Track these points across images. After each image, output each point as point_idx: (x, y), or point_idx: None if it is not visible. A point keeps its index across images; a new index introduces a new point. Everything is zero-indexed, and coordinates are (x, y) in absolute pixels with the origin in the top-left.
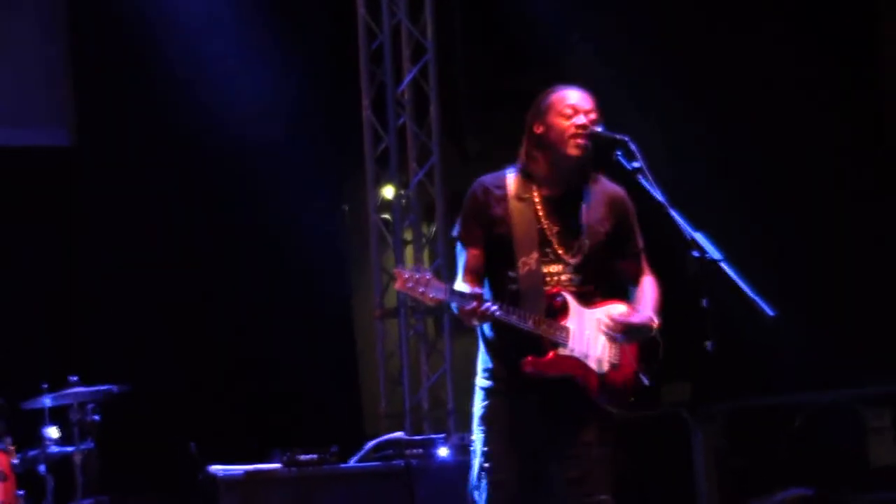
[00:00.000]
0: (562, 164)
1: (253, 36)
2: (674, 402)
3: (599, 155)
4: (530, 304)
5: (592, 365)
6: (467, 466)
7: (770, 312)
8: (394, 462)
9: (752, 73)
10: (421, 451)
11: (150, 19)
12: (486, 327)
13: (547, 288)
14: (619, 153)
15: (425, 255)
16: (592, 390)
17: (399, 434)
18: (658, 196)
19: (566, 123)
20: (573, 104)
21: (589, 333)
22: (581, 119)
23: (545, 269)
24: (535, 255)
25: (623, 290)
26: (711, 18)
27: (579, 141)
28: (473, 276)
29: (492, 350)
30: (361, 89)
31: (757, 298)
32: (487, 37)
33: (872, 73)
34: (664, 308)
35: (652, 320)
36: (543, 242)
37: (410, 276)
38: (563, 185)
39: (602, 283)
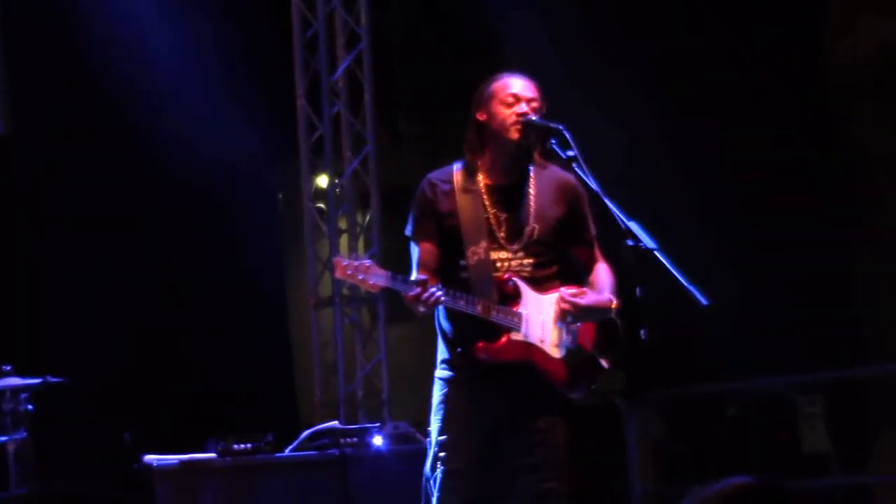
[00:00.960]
0: (505, 151)
1: (187, 23)
2: (608, 391)
3: (538, 144)
4: (481, 290)
5: (549, 350)
6: (402, 455)
7: (704, 301)
8: (328, 451)
9: (698, 59)
10: (356, 440)
11: (83, 6)
12: (442, 318)
13: (497, 274)
14: (553, 141)
15: (360, 243)
16: (549, 375)
17: (334, 423)
18: (592, 185)
19: (507, 112)
20: (515, 92)
21: (544, 318)
22: (522, 107)
23: (495, 256)
24: (483, 243)
25: (581, 276)
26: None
27: (518, 126)
28: (426, 270)
29: (447, 340)
30: (296, 77)
31: (691, 287)
32: (424, 24)
33: (817, 59)
34: None
35: (610, 301)
36: (492, 231)
37: (349, 264)
38: (509, 172)
39: (557, 269)
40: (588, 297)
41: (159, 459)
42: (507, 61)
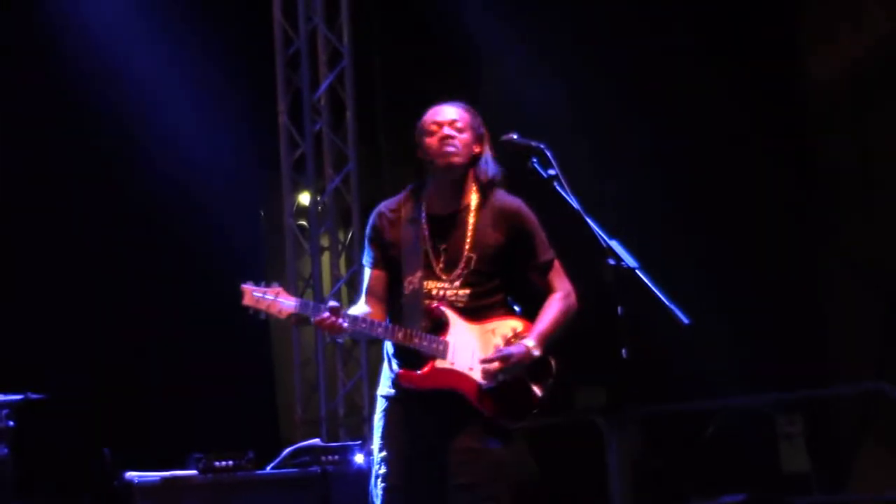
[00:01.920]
0: (441, 181)
1: (169, 41)
2: (588, 408)
3: (514, 162)
4: (412, 319)
5: (476, 377)
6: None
7: (685, 320)
8: (310, 469)
9: (676, 76)
10: (337, 457)
11: (66, 20)
12: (385, 341)
13: (428, 303)
14: (534, 160)
15: (341, 261)
16: (479, 403)
17: (315, 441)
18: (574, 203)
19: (432, 140)
20: (435, 120)
21: (474, 347)
22: (445, 130)
23: (429, 286)
24: (419, 273)
25: (537, 302)
26: (637, 22)
27: (445, 150)
28: (373, 297)
29: (388, 359)
30: (277, 94)
31: (672, 306)
32: (405, 42)
33: (794, 75)
34: (581, 314)
35: (528, 351)
36: (429, 261)
37: (259, 289)
38: (450, 202)
39: (501, 297)
40: (505, 351)
41: (140, 476)
42: (487, 80)
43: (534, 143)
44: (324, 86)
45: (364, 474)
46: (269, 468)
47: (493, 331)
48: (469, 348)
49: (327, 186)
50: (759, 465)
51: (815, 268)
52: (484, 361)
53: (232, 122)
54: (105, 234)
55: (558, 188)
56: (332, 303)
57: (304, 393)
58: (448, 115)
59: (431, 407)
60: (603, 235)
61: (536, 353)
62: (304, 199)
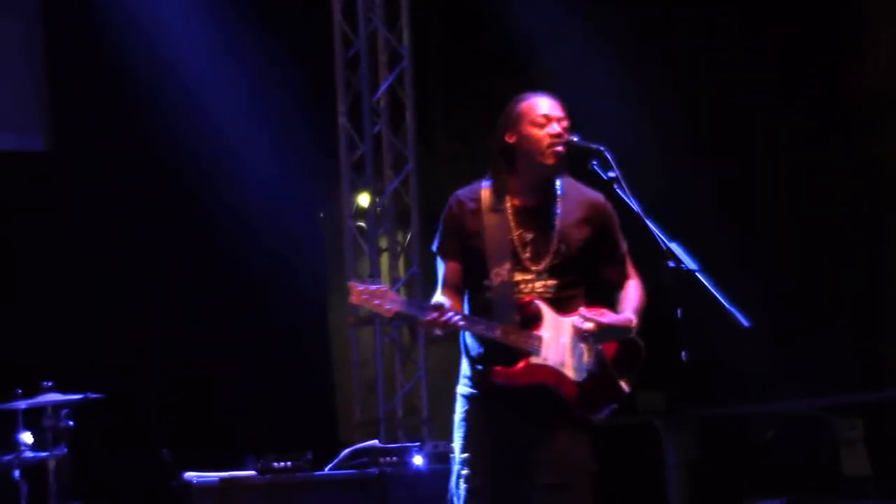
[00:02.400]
0: (537, 174)
1: (229, 43)
2: (647, 411)
3: (575, 164)
4: (502, 313)
5: (568, 373)
6: (442, 474)
7: (745, 322)
8: (368, 470)
9: (731, 79)
10: (395, 459)
11: (126, 26)
12: (467, 335)
13: (519, 297)
14: (594, 162)
15: (400, 262)
16: (569, 399)
17: (373, 442)
18: (634, 205)
19: (540, 133)
20: (545, 113)
21: (565, 341)
22: (555, 128)
23: (518, 278)
24: (507, 265)
25: (611, 297)
26: (689, 23)
27: (556, 150)
28: (452, 289)
29: (470, 357)
30: (337, 96)
31: (732, 308)
32: (465, 43)
33: (848, 72)
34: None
35: (630, 321)
36: (516, 252)
37: (365, 289)
38: (537, 193)
39: (583, 290)
40: (607, 317)
41: (199, 477)
42: (545, 81)
43: (594, 146)
44: (383, 87)
45: (422, 476)
46: (327, 469)
47: (577, 320)
48: (560, 342)
49: (386, 188)
50: (819, 470)
51: (871, 269)
52: (577, 366)
53: (292, 124)
54: (164, 236)
55: (618, 191)
56: (436, 301)
57: (363, 394)
58: (558, 111)
59: (518, 404)
60: (663, 237)
61: (636, 324)
62: (363, 200)
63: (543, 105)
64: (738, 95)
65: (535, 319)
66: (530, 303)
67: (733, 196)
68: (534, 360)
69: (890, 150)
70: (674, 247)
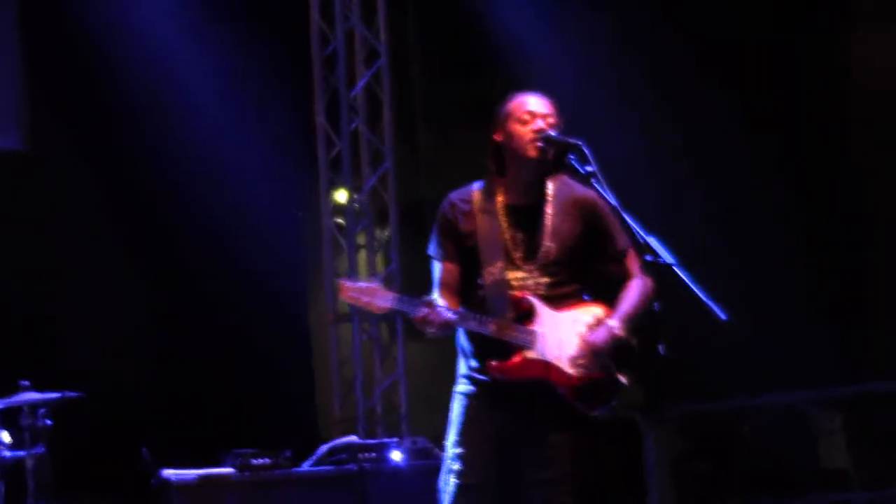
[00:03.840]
0: (524, 170)
1: (206, 40)
2: (627, 406)
3: (556, 160)
4: (496, 309)
5: (566, 367)
6: (420, 470)
7: (723, 316)
8: (347, 466)
9: (710, 74)
10: (374, 455)
11: (103, 25)
12: (462, 334)
13: (512, 293)
14: (572, 157)
15: (378, 259)
16: (566, 393)
17: (352, 438)
18: (611, 199)
19: (524, 129)
20: (530, 110)
21: (562, 336)
22: (539, 123)
23: (510, 276)
24: (499, 263)
25: (613, 291)
26: (671, 19)
27: (536, 144)
28: (447, 290)
29: (466, 355)
30: (314, 93)
31: (710, 302)
32: (442, 40)
33: (837, 70)
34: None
35: (611, 332)
36: (508, 250)
37: (354, 286)
38: (528, 192)
39: (578, 287)
40: (593, 336)
41: (177, 474)
42: (524, 78)
43: (572, 140)
44: (360, 84)
45: (401, 472)
46: (305, 466)
47: (576, 320)
48: (556, 337)
49: (364, 185)
50: (798, 463)
51: (854, 263)
52: (573, 360)
53: (269, 121)
54: (141, 234)
55: (596, 185)
56: (428, 297)
57: (342, 390)
58: (543, 107)
59: (514, 400)
60: (640, 232)
61: (619, 332)
62: (341, 197)
63: (530, 102)
64: (718, 90)
65: (529, 315)
66: (523, 298)
67: (714, 190)
68: (529, 354)
69: (871, 145)
70: (651, 241)
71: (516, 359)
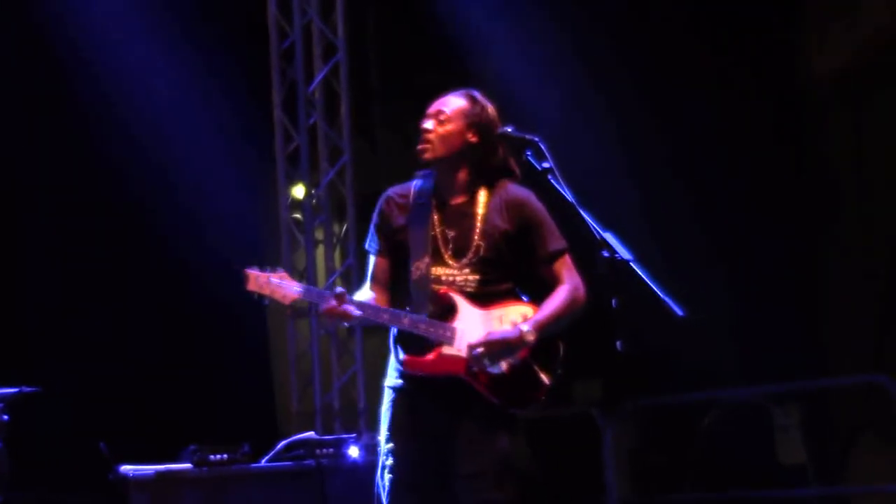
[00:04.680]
0: (438, 169)
1: (164, 35)
2: (585, 401)
3: (511, 156)
4: (418, 304)
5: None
6: (377, 466)
7: (679, 312)
8: (305, 462)
9: (675, 70)
10: (332, 450)
11: (61, 22)
12: (392, 329)
13: (433, 287)
14: (528, 153)
15: (336, 254)
16: (483, 390)
17: (310, 434)
18: (568, 196)
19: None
20: (428, 112)
21: (482, 332)
22: (425, 123)
23: (436, 272)
24: (426, 259)
25: (545, 291)
26: (635, 18)
27: (419, 146)
28: (379, 284)
29: (393, 348)
30: (272, 88)
31: (666, 298)
32: (400, 34)
33: (791, 69)
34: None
35: (520, 336)
36: (437, 248)
37: (262, 275)
38: (456, 190)
39: (511, 285)
40: (494, 333)
41: (135, 470)
42: (481, 73)
43: (528, 136)
44: (318, 78)
45: (358, 468)
46: (263, 461)
47: (500, 317)
48: (476, 334)
49: (322, 179)
50: (755, 458)
51: (812, 259)
52: (471, 346)
53: (226, 115)
54: (97, 227)
55: (552, 181)
56: (338, 289)
57: (300, 386)
58: (437, 104)
59: (438, 396)
60: (597, 228)
61: (531, 338)
62: (299, 192)
63: (436, 102)
64: (686, 90)
65: (449, 311)
66: (445, 294)
67: (678, 189)
68: (446, 350)
69: (834, 142)
70: (608, 236)
71: (431, 355)
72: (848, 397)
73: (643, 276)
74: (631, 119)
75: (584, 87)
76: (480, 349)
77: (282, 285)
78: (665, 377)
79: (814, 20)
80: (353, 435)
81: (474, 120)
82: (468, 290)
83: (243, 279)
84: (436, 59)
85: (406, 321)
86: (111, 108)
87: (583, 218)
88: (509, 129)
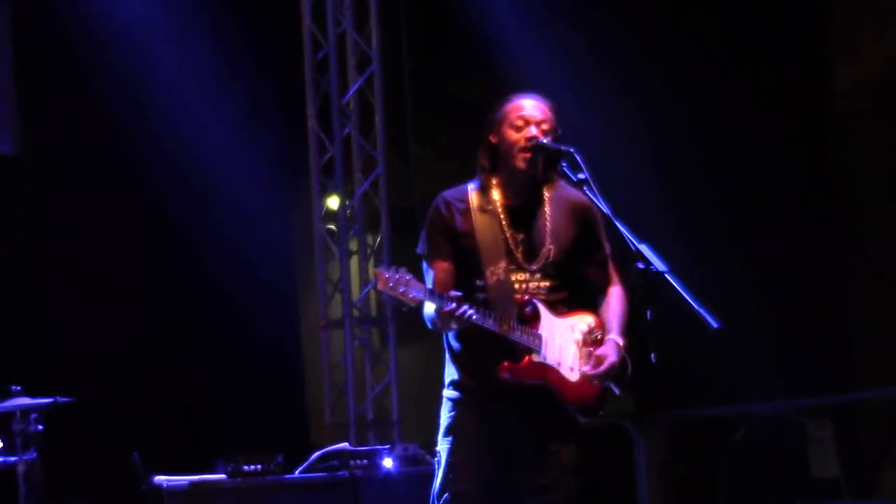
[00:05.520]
0: (514, 175)
1: (198, 45)
2: (617, 413)
3: (547, 167)
4: (500, 312)
5: (565, 373)
6: (411, 477)
7: (714, 324)
8: (338, 473)
9: (704, 80)
10: (365, 461)
11: (95, 28)
12: (452, 338)
13: (517, 296)
14: (564, 164)
15: (370, 265)
16: (565, 398)
17: (344, 445)
18: (603, 207)
19: (517, 136)
20: (525, 115)
21: (560, 342)
22: (531, 131)
23: (514, 278)
24: (502, 263)
25: (593, 297)
26: (661, 28)
27: (526, 155)
28: (443, 289)
29: (458, 360)
30: (306, 99)
31: (701, 310)
32: (434, 45)
33: (820, 80)
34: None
35: (619, 350)
36: (510, 251)
37: (391, 276)
38: (524, 193)
39: (571, 291)
40: (609, 360)
41: (169, 480)
42: (515, 83)
43: (564, 147)
44: (352, 90)
45: (392, 478)
46: (297, 472)
47: (573, 326)
48: (556, 343)
49: (356, 190)
50: (788, 471)
51: (842, 273)
52: (592, 376)
53: (261, 126)
54: (132, 238)
55: (588, 192)
56: (455, 292)
57: (334, 396)
58: (538, 113)
59: (508, 406)
60: (632, 239)
61: (622, 343)
62: (333, 203)
63: (526, 106)
64: (713, 101)
65: (532, 319)
66: (529, 301)
67: (708, 201)
68: (535, 358)
69: (862, 154)
70: (643, 248)
71: (525, 361)
72: (880, 411)
73: (678, 288)
74: (662, 131)
75: (614, 99)
76: (599, 374)
77: (409, 286)
78: (698, 390)
79: (843, 32)
80: (387, 446)
81: (559, 131)
82: (540, 296)
83: (375, 278)
84: (470, 69)
85: (506, 327)
86: (146, 118)
87: (618, 229)
88: (545, 141)
